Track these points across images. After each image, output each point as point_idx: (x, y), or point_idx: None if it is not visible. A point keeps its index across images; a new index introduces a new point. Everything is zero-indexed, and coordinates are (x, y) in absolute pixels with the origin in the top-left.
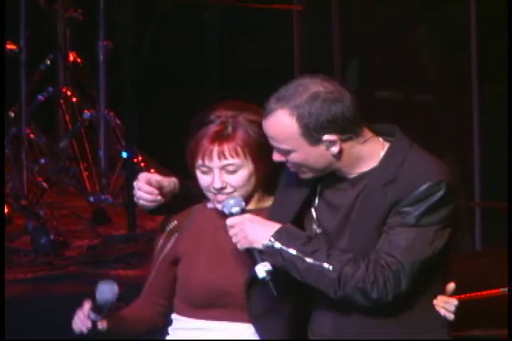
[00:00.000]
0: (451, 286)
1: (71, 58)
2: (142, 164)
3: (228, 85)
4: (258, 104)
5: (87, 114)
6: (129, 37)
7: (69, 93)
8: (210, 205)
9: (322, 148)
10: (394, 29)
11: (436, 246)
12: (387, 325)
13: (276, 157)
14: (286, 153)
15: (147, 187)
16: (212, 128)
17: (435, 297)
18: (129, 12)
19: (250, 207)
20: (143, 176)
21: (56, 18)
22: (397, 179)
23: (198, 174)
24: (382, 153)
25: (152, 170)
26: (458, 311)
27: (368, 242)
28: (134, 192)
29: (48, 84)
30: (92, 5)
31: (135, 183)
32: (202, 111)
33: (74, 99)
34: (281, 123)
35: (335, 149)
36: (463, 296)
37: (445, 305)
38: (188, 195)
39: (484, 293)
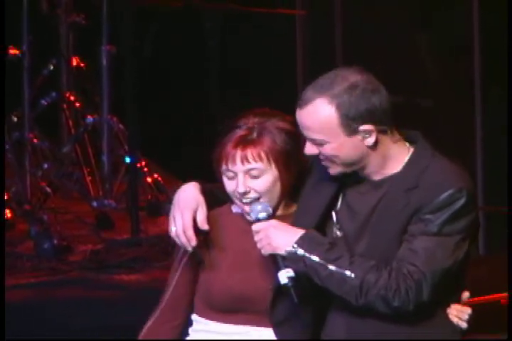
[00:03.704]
0: (465, 294)
1: (74, 63)
2: (145, 169)
3: (231, 91)
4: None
5: (90, 118)
6: (131, 42)
7: (72, 98)
8: (235, 209)
9: (358, 139)
10: (396, 33)
11: (458, 256)
12: (402, 330)
13: (309, 150)
14: (319, 144)
15: (191, 232)
16: (238, 133)
17: (449, 305)
18: (131, 17)
19: (277, 213)
20: (198, 217)
21: (59, 23)
22: (419, 186)
23: (224, 179)
24: (406, 158)
25: (156, 175)
26: (471, 320)
27: (387, 247)
28: (175, 223)
29: (51, 88)
30: (95, 9)
31: (178, 216)
32: (233, 119)
33: (77, 104)
34: (320, 112)
35: (371, 140)
36: (467, 301)
37: (458, 314)
38: (212, 201)
39: (487, 297)
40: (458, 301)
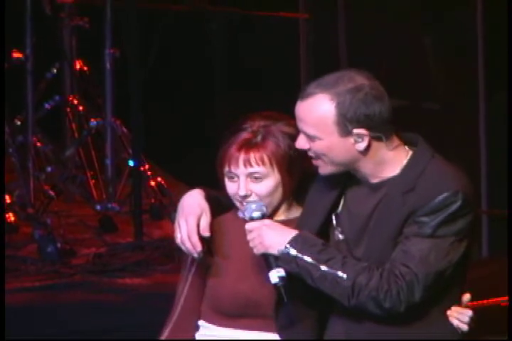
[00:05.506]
0: (466, 297)
1: (77, 66)
2: (149, 172)
3: (235, 94)
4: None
5: (93, 122)
6: (136, 45)
7: (75, 101)
8: (240, 214)
9: (350, 141)
10: (400, 36)
11: (452, 258)
12: (399, 333)
13: (300, 144)
14: (312, 139)
15: (196, 238)
16: (242, 136)
17: (450, 307)
18: (135, 20)
19: (279, 218)
20: (201, 223)
21: (62, 26)
22: (416, 188)
23: (226, 181)
24: (404, 161)
25: (159, 179)
26: (472, 322)
27: (384, 251)
28: (180, 230)
29: (55, 92)
30: (99, 13)
31: (183, 222)
32: (238, 120)
33: (80, 108)
34: (319, 107)
35: (362, 145)
36: (470, 303)
37: (459, 316)
38: (216, 207)
39: (490, 300)
40: (458, 303)
